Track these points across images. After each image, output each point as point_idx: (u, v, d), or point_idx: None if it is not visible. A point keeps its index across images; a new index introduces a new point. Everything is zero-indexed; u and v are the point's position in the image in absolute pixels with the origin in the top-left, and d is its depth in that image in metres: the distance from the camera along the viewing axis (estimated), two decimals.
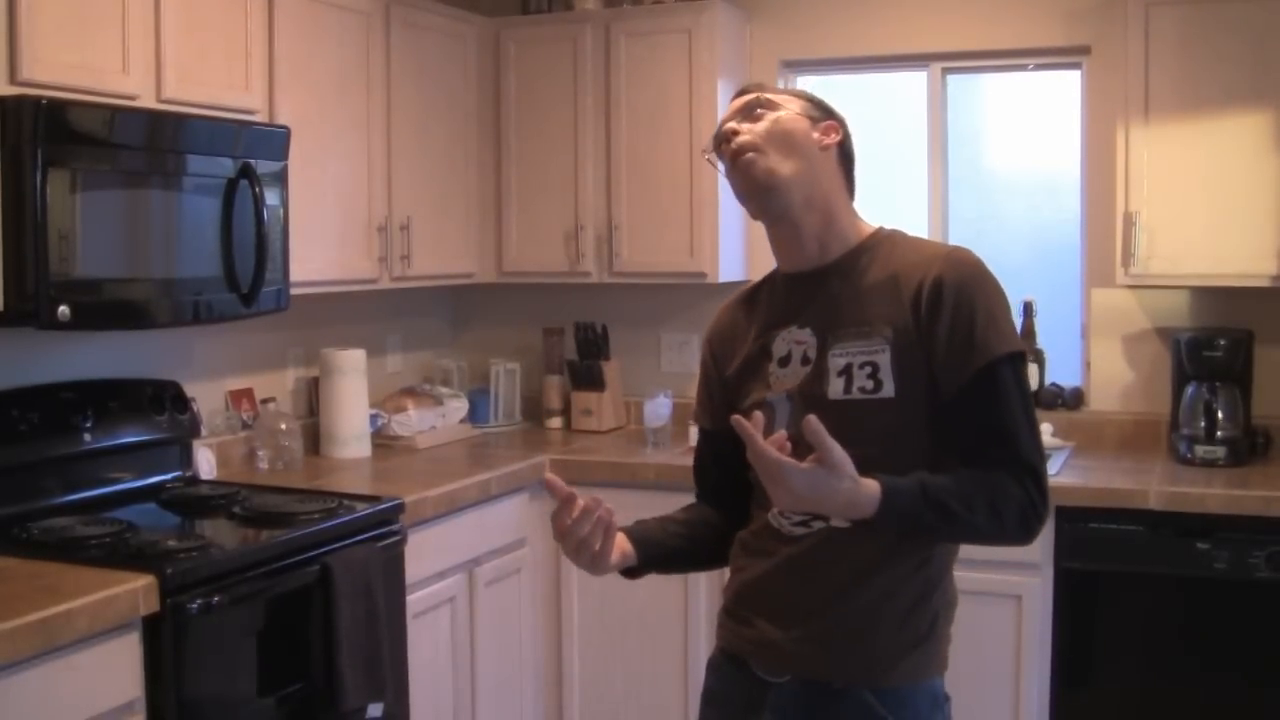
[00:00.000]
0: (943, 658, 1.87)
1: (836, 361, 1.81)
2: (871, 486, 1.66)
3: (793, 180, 1.85)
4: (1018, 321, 4.04)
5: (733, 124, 1.89)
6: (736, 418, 1.65)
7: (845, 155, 1.93)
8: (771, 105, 1.89)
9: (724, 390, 1.98)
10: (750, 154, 1.85)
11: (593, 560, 1.80)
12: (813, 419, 1.62)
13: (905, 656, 1.81)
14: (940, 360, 1.77)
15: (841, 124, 1.93)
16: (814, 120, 1.89)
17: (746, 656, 1.89)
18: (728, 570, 2.00)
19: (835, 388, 1.80)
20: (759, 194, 1.87)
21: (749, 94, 1.92)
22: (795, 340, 1.87)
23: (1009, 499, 1.74)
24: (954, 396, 1.77)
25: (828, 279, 1.87)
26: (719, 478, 2.01)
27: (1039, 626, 3.32)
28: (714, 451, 2.03)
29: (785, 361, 1.87)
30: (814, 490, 1.63)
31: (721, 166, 1.92)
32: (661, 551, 1.94)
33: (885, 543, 1.76)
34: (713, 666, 1.99)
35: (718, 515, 2.01)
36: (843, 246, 1.88)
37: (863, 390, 1.78)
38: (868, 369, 1.78)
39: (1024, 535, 1.77)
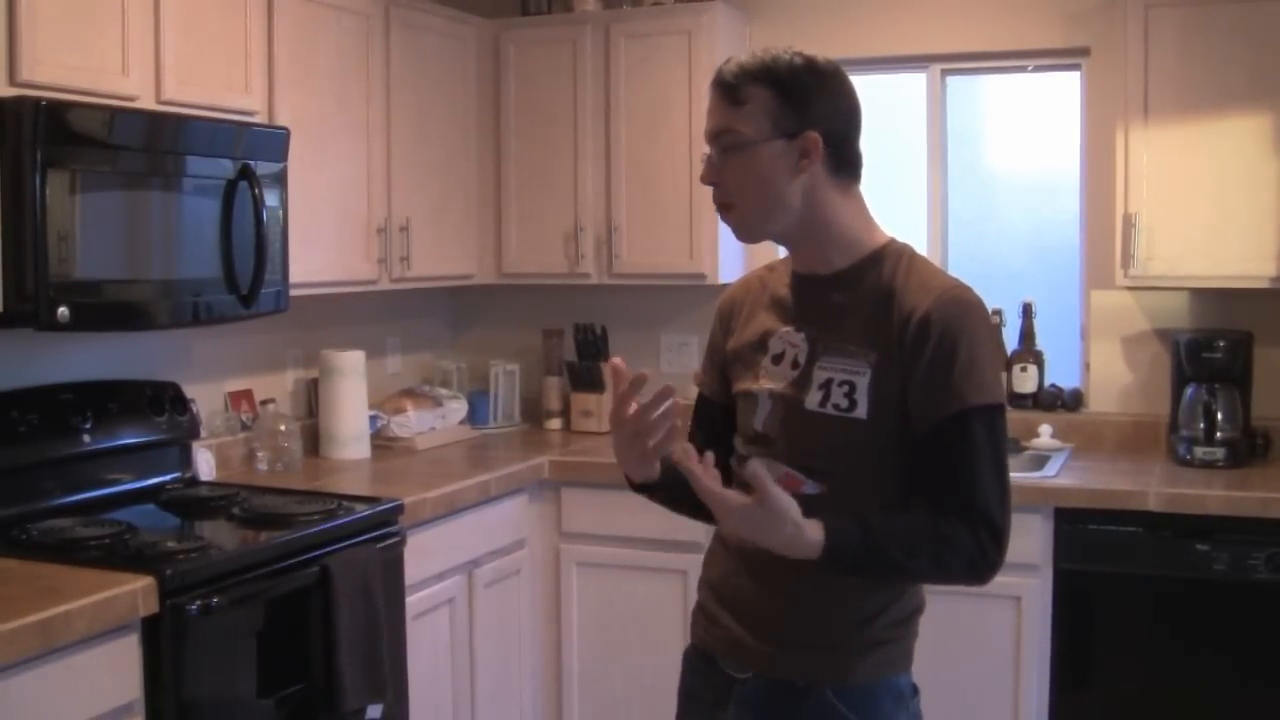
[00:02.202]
0: (908, 655, 1.88)
1: (820, 374, 1.82)
2: (815, 532, 1.67)
3: (775, 221, 1.83)
4: (1017, 324, 4.10)
5: (704, 172, 1.84)
6: (678, 456, 1.67)
7: (837, 155, 1.81)
8: (738, 141, 1.78)
9: (722, 360, 2.00)
10: (731, 211, 1.83)
11: (642, 457, 1.77)
12: (754, 466, 1.66)
13: (868, 656, 1.82)
14: (914, 398, 1.76)
15: (834, 127, 1.80)
16: (789, 136, 1.77)
17: (714, 652, 1.92)
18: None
19: (813, 399, 1.81)
20: (747, 240, 1.89)
21: (718, 95, 1.81)
22: (790, 342, 1.87)
23: (957, 550, 1.73)
24: (922, 435, 1.76)
25: (831, 288, 1.86)
26: (710, 442, 1.97)
27: (1038, 628, 3.32)
28: (709, 415, 2.05)
29: (778, 360, 1.88)
30: (751, 526, 1.67)
31: None
32: (676, 476, 1.80)
33: None
34: (687, 661, 2.02)
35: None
36: (849, 258, 1.85)
37: (837, 407, 1.79)
38: (845, 388, 1.79)
39: (974, 582, 1.77)
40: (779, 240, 1.89)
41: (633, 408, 1.73)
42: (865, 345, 1.80)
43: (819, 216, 1.82)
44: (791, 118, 1.78)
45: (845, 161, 1.83)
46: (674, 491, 1.87)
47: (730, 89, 1.79)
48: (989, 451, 1.75)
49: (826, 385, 1.80)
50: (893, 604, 1.84)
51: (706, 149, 1.85)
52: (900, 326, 1.78)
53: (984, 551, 1.73)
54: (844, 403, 1.79)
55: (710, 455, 1.68)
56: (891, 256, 1.85)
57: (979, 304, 1.80)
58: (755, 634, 1.85)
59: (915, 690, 1.90)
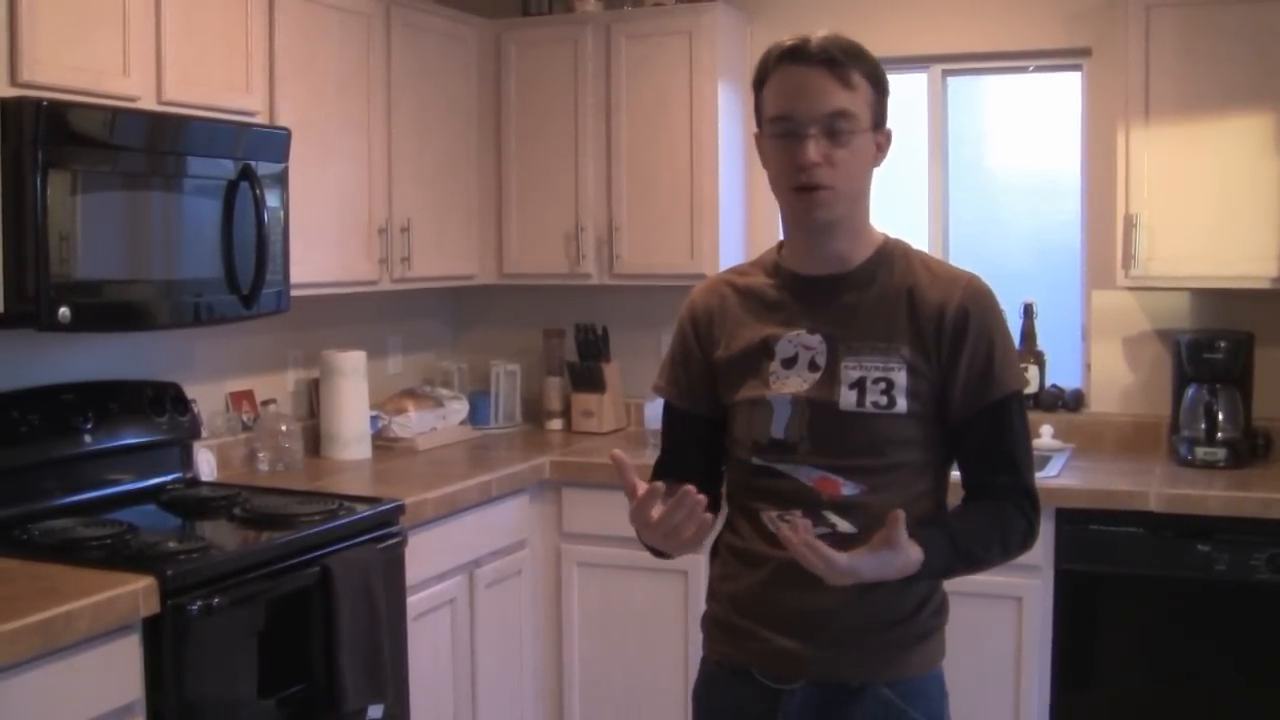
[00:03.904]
0: (944, 645, 1.91)
1: (849, 373, 1.81)
2: (916, 550, 1.70)
3: (852, 208, 1.84)
4: (1018, 324, 4.11)
5: (813, 151, 1.75)
6: (802, 538, 1.62)
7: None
8: (852, 126, 1.77)
9: (707, 373, 1.95)
10: (823, 193, 1.78)
11: (678, 545, 1.75)
12: (900, 514, 1.64)
13: (917, 648, 1.84)
14: (956, 389, 1.81)
15: (888, 118, 1.85)
16: (876, 128, 1.82)
17: (750, 667, 1.87)
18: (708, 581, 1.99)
19: (847, 399, 1.80)
20: (816, 228, 1.83)
21: (826, 74, 1.76)
22: (803, 345, 1.85)
23: (1015, 530, 1.84)
24: (963, 423, 1.83)
25: (842, 287, 1.86)
26: (693, 451, 1.98)
27: (1039, 628, 3.31)
28: (690, 432, 1.99)
29: (790, 364, 1.85)
30: (881, 570, 1.67)
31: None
32: None
33: None
34: (708, 682, 1.96)
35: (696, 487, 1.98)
36: (859, 256, 1.87)
37: (876, 405, 1.79)
38: (882, 384, 1.80)
39: (1023, 553, 1.89)
40: (832, 228, 1.83)
41: (656, 511, 1.69)
42: (896, 341, 1.81)
43: (863, 210, 1.88)
44: (879, 110, 1.83)
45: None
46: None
47: (841, 69, 1.77)
48: (1022, 430, 1.86)
49: (859, 384, 1.80)
50: (931, 595, 1.87)
51: (775, 132, 1.79)
52: (933, 321, 1.81)
53: (1032, 526, 1.85)
54: (883, 400, 1.80)
55: (806, 521, 1.67)
56: (894, 251, 1.89)
57: (994, 292, 1.88)
58: (805, 641, 1.81)
59: None
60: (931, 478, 1.86)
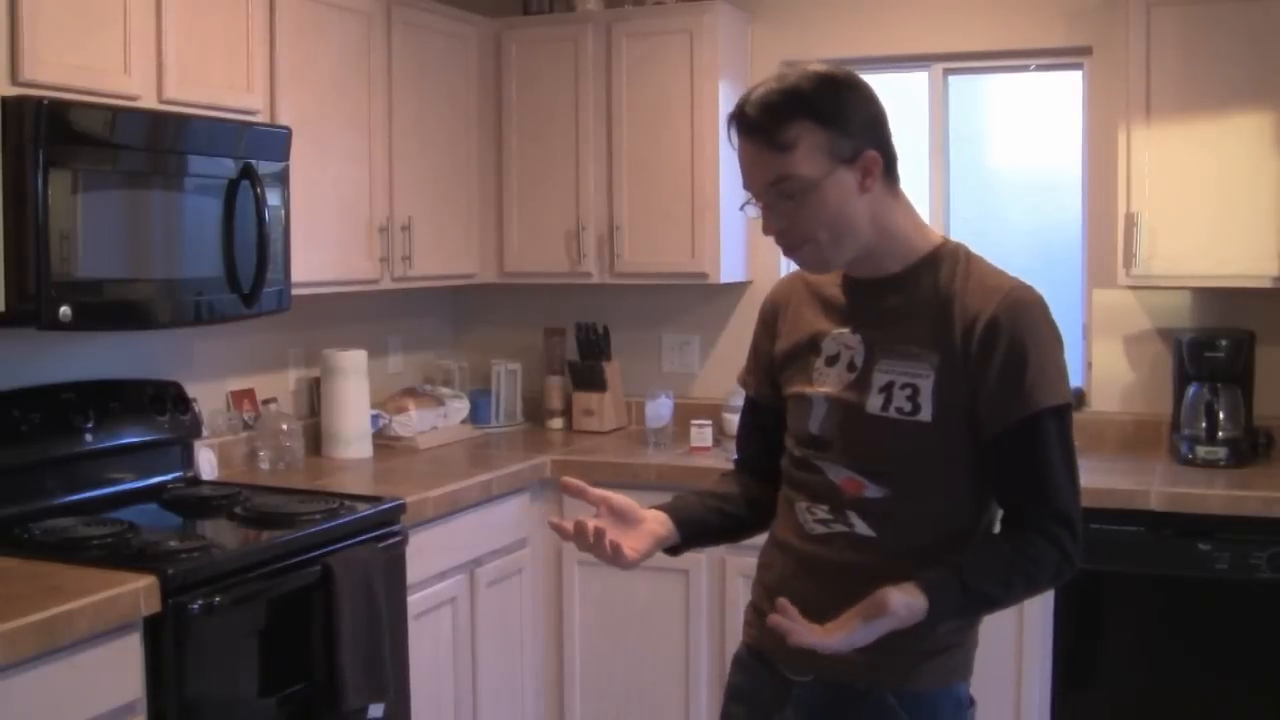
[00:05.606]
0: (968, 663, 1.87)
1: (880, 377, 1.79)
2: (917, 599, 1.66)
3: (851, 248, 1.78)
4: None
5: (771, 222, 1.76)
6: (775, 622, 1.65)
7: (886, 162, 1.77)
8: (802, 187, 1.71)
9: (769, 363, 1.98)
10: (803, 248, 1.78)
11: (613, 561, 1.81)
12: (884, 594, 1.63)
13: (930, 661, 1.80)
14: (984, 403, 1.74)
15: (877, 136, 1.76)
16: (848, 162, 1.72)
17: (771, 654, 1.89)
18: (755, 567, 2.01)
19: (874, 403, 1.78)
20: (823, 272, 1.87)
21: (757, 144, 1.73)
22: (845, 344, 1.84)
23: (1044, 565, 1.74)
24: (994, 440, 1.75)
25: (887, 290, 1.83)
26: (758, 445, 2.02)
27: (1040, 627, 3.31)
28: (756, 419, 2.04)
29: (832, 362, 1.85)
30: (879, 630, 1.65)
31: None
32: (702, 528, 1.96)
33: (911, 551, 1.75)
34: (739, 663, 2.00)
35: (755, 484, 2.01)
36: (903, 260, 1.82)
37: (900, 411, 1.77)
38: (908, 390, 1.76)
39: (1056, 587, 1.83)
40: (853, 260, 1.82)
41: (591, 533, 1.78)
42: (927, 348, 1.77)
43: (881, 228, 1.79)
44: (843, 143, 1.72)
45: (891, 165, 1.79)
46: (700, 543, 1.97)
47: (768, 134, 1.72)
48: (1061, 450, 1.75)
49: (888, 388, 1.78)
50: None
51: (751, 201, 1.79)
52: (965, 330, 1.75)
53: (1066, 553, 1.74)
54: (907, 406, 1.76)
55: (791, 608, 1.68)
56: (948, 258, 1.82)
57: (1042, 302, 1.79)
58: None
59: (972, 701, 1.88)
60: (963, 495, 1.80)
